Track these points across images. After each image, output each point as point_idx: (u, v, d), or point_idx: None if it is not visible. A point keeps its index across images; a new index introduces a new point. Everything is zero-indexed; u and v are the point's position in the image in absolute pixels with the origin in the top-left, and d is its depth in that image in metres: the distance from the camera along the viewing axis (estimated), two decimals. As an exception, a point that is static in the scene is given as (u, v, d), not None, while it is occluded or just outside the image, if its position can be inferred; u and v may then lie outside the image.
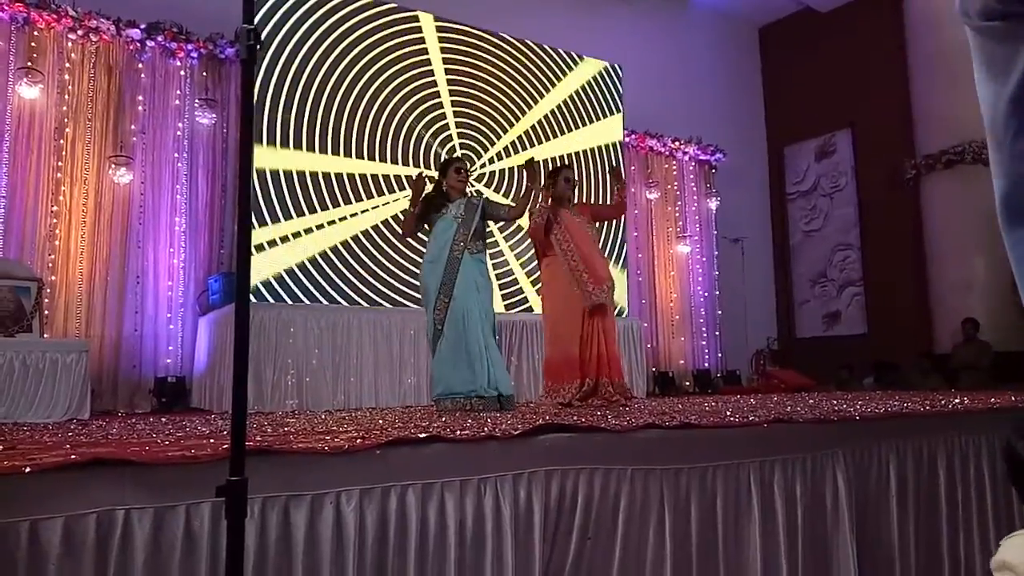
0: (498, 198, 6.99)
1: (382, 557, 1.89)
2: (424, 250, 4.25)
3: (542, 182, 4.57)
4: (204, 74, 6.55)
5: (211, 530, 1.66)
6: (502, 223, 6.49)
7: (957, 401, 3.82)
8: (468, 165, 4.32)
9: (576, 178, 4.67)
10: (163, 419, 3.96)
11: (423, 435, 2.07)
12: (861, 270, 9.70)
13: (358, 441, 1.94)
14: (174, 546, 1.63)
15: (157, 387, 5.90)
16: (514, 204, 4.56)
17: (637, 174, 9.09)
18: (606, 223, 7.30)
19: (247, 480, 1.24)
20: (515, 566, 2.05)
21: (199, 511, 1.66)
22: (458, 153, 7.08)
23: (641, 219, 9.03)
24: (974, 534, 3.19)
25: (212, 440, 2.08)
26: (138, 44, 6.22)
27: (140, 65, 6.26)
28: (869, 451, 2.92)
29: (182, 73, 6.47)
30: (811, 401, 4.39)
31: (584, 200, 7.01)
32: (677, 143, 9.32)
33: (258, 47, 1.29)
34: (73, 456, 1.63)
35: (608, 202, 4.92)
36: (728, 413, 3.22)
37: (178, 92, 6.43)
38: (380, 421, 3.13)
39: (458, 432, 2.17)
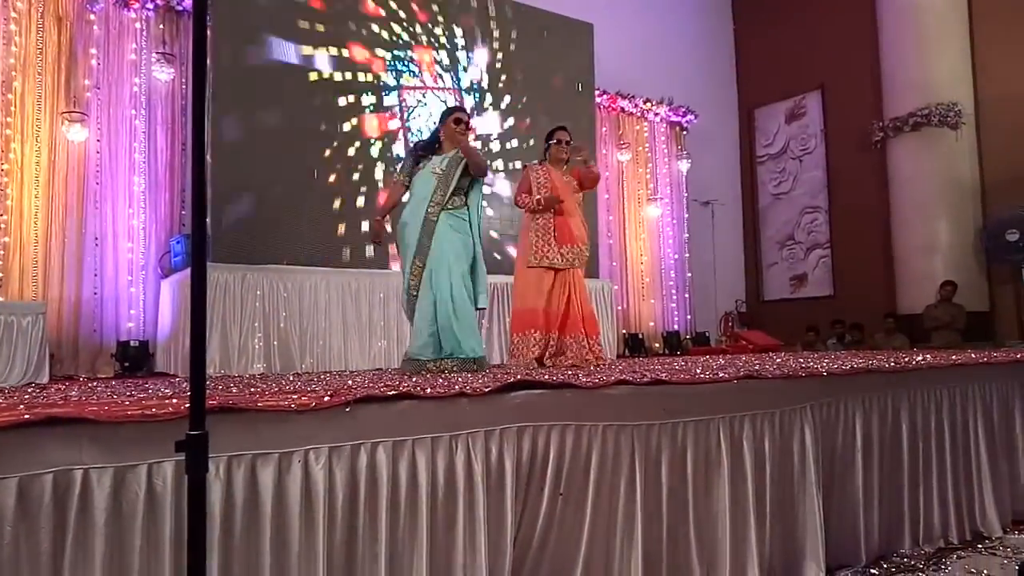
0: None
1: (352, 515, 1.86)
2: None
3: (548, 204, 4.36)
4: (161, 27, 6.30)
5: (174, 489, 1.61)
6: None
7: (920, 358, 3.90)
8: (468, 116, 3.98)
9: (571, 139, 4.51)
10: (126, 382, 3.86)
11: (392, 392, 2.03)
12: (828, 233, 9.82)
13: (326, 399, 1.90)
14: (135, 506, 1.58)
15: (119, 351, 5.77)
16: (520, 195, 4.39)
17: (608, 135, 9.03)
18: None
19: (207, 434, 1.20)
20: (487, 523, 2.04)
21: (161, 470, 1.61)
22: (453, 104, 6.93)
23: (612, 181, 8.99)
24: (933, 486, 3.28)
25: (175, 400, 2.02)
26: (90, -7, 5.94)
27: (92, 16, 5.98)
28: (836, 406, 2.97)
29: (137, 25, 6.20)
30: (778, 360, 4.45)
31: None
32: (649, 104, 9.26)
33: (211, -22, 1.21)
34: (27, 415, 1.56)
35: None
36: (698, 371, 3.25)
37: (133, 45, 6.17)
38: (349, 382, 3.09)
39: (428, 389, 2.14)
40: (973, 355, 4.19)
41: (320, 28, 6.44)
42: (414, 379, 2.96)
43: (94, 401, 2.13)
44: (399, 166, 4.02)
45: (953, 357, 3.96)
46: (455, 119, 3.89)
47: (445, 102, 7.07)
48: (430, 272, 3.68)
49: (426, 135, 6.87)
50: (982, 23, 8.40)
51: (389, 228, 4.46)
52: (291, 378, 3.96)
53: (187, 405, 1.30)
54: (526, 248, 4.36)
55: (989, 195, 8.31)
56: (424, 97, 7.03)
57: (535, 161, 4.56)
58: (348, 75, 6.56)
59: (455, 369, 3.55)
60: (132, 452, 1.59)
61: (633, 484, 2.34)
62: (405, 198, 3.93)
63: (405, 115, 6.90)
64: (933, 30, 8.32)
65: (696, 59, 10.27)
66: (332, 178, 6.37)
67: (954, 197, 8.22)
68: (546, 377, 2.59)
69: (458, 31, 7.26)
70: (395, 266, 6.28)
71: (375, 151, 6.66)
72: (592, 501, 2.26)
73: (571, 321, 4.26)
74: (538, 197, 4.32)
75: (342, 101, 6.52)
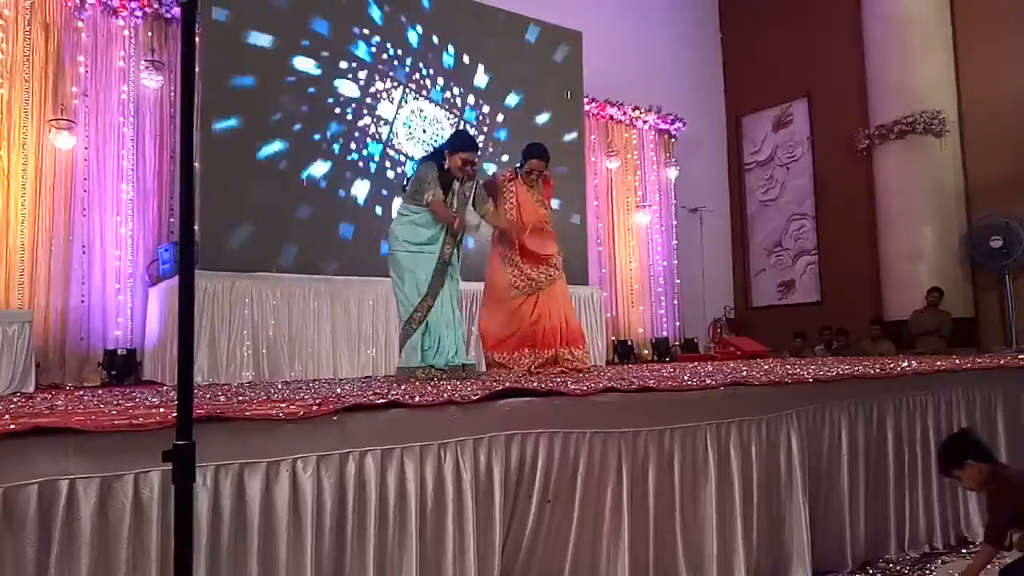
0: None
1: (341, 525, 1.87)
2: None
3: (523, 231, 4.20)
4: (149, 34, 6.28)
5: (161, 499, 1.61)
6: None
7: (905, 364, 3.94)
8: (477, 156, 3.88)
9: (548, 156, 4.28)
10: (113, 391, 3.84)
11: (381, 401, 2.04)
12: (815, 239, 9.89)
13: (314, 408, 1.90)
14: (122, 516, 1.58)
15: (107, 360, 5.73)
16: (493, 217, 4.08)
17: (597, 143, 9.07)
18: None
19: (194, 444, 1.20)
20: (476, 531, 2.05)
21: (148, 480, 1.61)
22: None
23: (601, 188, 9.03)
24: (918, 492, 3.31)
25: (162, 409, 2.02)
26: (77, 1, 5.91)
27: (80, 23, 5.95)
28: (822, 413, 3.00)
29: (126, 33, 6.18)
30: (766, 366, 4.47)
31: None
32: (637, 112, 9.31)
33: (199, -9, 1.22)
34: (12, 426, 1.55)
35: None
36: (685, 378, 3.26)
37: (122, 53, 6.15)
38: (338, 390, 3.09)
39: (417, 398, 2.14)
40: (958, 361, 4.24)
41: (311, 36, 6.45)
42: (403, 386, 2.96)
43: (81, 410, 2.12)
44: (434, 189, 3.73)
45: (938, 363, 4.00)
46: (463, 159, 3.76)
47: (436, 120, 7.08)
48: (437, 306, 3.72)
49: (414, 146, 7.02)
50: (965, 32, 8.51)
51: (407, 244, 3.96)
52: (279, 386, 3.96)
53: (174, 414, 1.31)
54: (499, 277, 4.21)
55: (973, 202, 8.40)
56: (412, 105, 7.04)
57: (508, 171, 4.38)
58: (338, 83, 6.57)
59: (446, 377, 3.57)
60: (119, 462, 1.59)
61: (620, 491, 2.35)
62: (408, 232, 3.76)
63: (393, 123, 6.91)
64: (917, 39, 8.43)
65: (684, 67, 10.34)
66: (321, 186, 6.37)
67: (939, 204, 8.31)
68: (535, 385, 2.60)
69: (448, 39, 7.28)
70: (380, 275, 6.29)
71: (363, 159, 6.67)
72: (580, 508, 2.27)
73: (559, 335, 4.17)
74: (497, 227, 4.12)
75: (331, 110, 6.52)
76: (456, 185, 3.82)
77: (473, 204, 3.92)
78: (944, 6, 8.58)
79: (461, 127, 7.23)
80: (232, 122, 5.96)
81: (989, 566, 2.91)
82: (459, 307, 3.95)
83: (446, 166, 3.78)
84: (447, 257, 3.79)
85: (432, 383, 3.24)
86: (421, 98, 7.08)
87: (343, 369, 5.78)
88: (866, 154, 8.98)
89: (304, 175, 6.28)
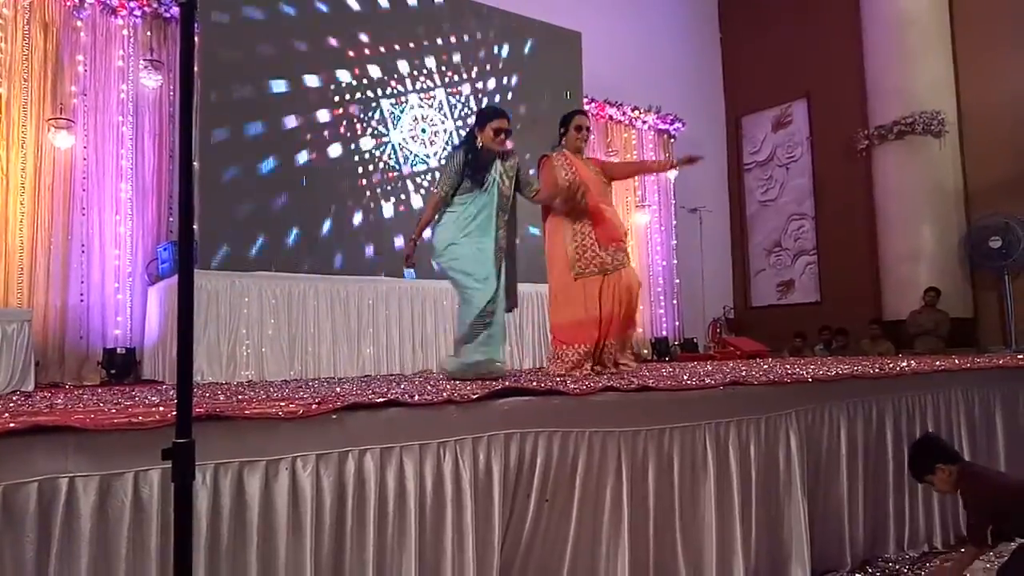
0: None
1: (340, 523, 1.87)
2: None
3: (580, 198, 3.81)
4: (148, 34, 6.28)
5: (161, 498, 1.61)
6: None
7: (904, 364, 3.94)
8: (509, 123, 3.59)
9: (590, 126, 3.98)
10: (113, 390, 3.83)
11: (380, 400, 2.04)
12: (815, 239, 9.90)
13: (314, 407, 1.90)
14: (122, 515, 1.58)
15: (106, 358, 5.73)
16: (540, 189, 3.83)
17: (597, 143, 9.07)
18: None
19: (194, 442, 1.20)
20: (475, 529, 2.05)
21: (147, 478, 1.61)
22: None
23: (601, 188, 9.03)
24: (918, 491, 3.31)
25: (161, 408, 2.02)
26: (76, 0, 5.91)
27: (79, 23, 5.95)
28: (821, 412, 3.00)
29: (125, 32, 6.18)
30: (765, 366, 4.48)
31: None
32: (637, 112, 9.31)
33: (199, -10, 1.22)
34: (12, 424, 1.55)
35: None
36: (685, 377, 3.27)
37: (121, 52, 6.14)
38: (338, 389, 3.09)
39: (416, 396, 2.14)
40: (956, 361, 4.24)
41: (310, 35, 6.45)
42: (402, 386, 2.96)
43: (80, 409, 2.12)
44: (439, 180, 3.61)
45: (937, 363, 4.01)
46: (495, 129, 3.52)
47: (434, 121, 7.08)
48: (498, 298, 3.47)
49: (413, 145, 7.02)
50: (964, 33, 8.52)
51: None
52: (279, 385, 3.96)
53: (174, 413, 1.31)
54: (562, 256, 3.84)
55: (972, 202, 8.41)
56: (412, 103, 7.04)
57: (551, 150, 4.01)
58: (336, 82, 6.57)
59: (494, 375, 3.37)
60: (118, 460, 1.59)
61: (619, 490, 2.35)
62: (454, 228, 3.51)
63: (393, 123, 6.91)
64: (916, 40, 8.43)
65: (684, 68, 10.34)
66: (320, 185, 6.37)
67: (938, 204, 8.31)
68: (534, 384, 2.61)
69: (447, 41, 7.28)
70: (379, 275, 6.29)
71: (362, 158, 6.67)
72: (579, 507, 2.27)
73: (615, 327, 3.83)
74: (559, 191, 3.75)
75: (330, 109, 6.52)
76: (498, 164, 3.54)
77: (519, 188, 3.68)
78: (943, 7, 8.59)
79: (458, 125, 7.24)
80: (231, 122, 5.96)
81: (988, 565, 2.92)
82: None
83: (480, 146, 3.53)
84: (502, 243, 3.53)
85: (493, 377, 3.15)
86: (420, 98, 7.08)
87: (342, 368, 5.78)
88: (865, 154, 8.98)
89: (303, 173, 6.28)
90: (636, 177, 9.31)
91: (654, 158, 9.58)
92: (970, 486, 2.67)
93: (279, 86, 6.25)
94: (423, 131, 7.07)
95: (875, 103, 8.82)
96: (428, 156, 7.06)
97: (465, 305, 3.44)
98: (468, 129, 3.69)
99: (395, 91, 6.91)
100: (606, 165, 4.15)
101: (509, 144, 3.63)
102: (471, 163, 3.50)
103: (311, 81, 6.43)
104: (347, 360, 5.84)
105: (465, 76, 7.38)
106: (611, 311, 3.77)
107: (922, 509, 3.32)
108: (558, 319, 3.88)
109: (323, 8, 6.57)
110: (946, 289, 7.92)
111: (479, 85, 7.45)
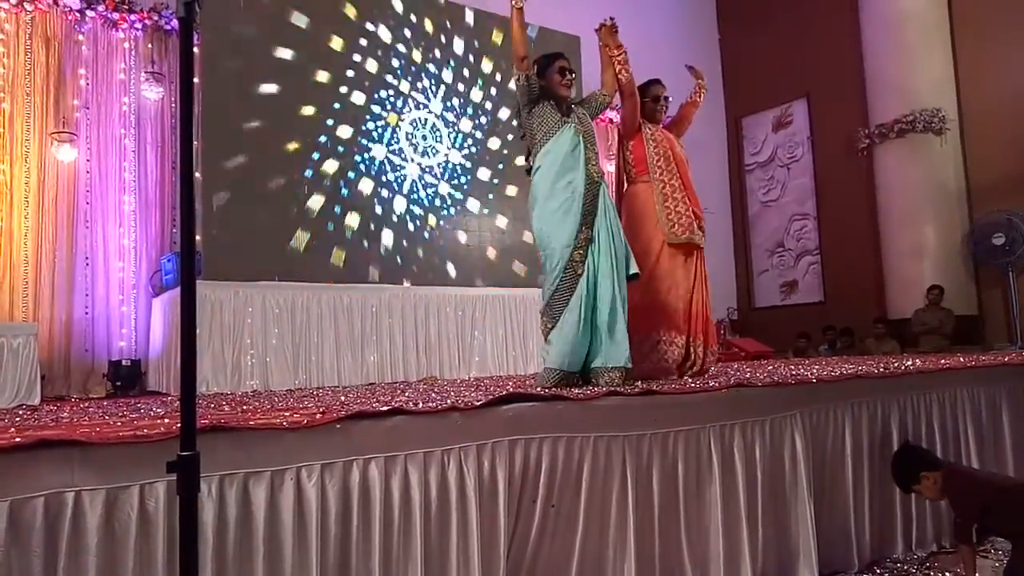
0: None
1: (346, 532, 1.87)
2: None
3: (618, 44, 3.62)
4: (149, 46, 6.32)
5: (167, 510, 1.62)
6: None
7: (909, 363, 3.93)
8: (570, 64, 3.38)
9: (668, 96, 3.83)
10: (118, 403, 3.85)
11: (384, 408, 2.04)
12: (817, 239, 9.88)
13: (318, 416, 1.91)
14: (128, 528, 1.59)
15: (111, 371, 5.75)
16: (603, 89, 3.61)
17: (598, 145, 9.08)
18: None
19: (199, 455, 1.21)
20: (481, 536, 2.05)
21: (153, 491, 1.62)
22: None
23: (602, 192, 9.04)
24: (925, 490, 3.29)
25: (167, 420, 2.03)
26: (77, 14, 5.95)
27: (81, 37, 6.00)
28: (826, 413, 2.99)
29: (126, 45, 6.22)
30: (770, 367, 4.47)
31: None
32: (637, 115, 9.31)
33: (197, 6, 1.23)
34: (18, 439, 1.56)
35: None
36: (688, 380, 3.26)
37: (123, 65, 6.19)
38: (342, 398, 3.10)
39: (420, 404, 2.15)
40: (962, 359, 4.23)
41: (310, 46, 6.48)
42: (406, 394, 2.96)
43: (86, 423, 2.13)
44: (529, 151, 3.33)
45: (942, 362, 4.00)
46: (559, 69, 3.32)
47: (436, 128, 7.10)
48: (595, 253, 3.09)
49: (413, 153, 7.03)
50: (963, 31, 8.51)
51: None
52: (284, 395, 3.97)
53: (178, 425, 1.31)
54: (649, 218, 3.50)
55: (975, 200, 8.39)
56: (413, 115, 7.06)
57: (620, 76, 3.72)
58: (337, 93, 6.60)
59: (612, 382, 3.00)
60: (124, 473, 1.60)
61: (625, 494, 2.35)
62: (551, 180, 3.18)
63: (394, 133, 6.93)
64: (915, 38, 8.43)
65: (683, 70, 10.32)
66: (322, 195, 6.39)
67: (940, 202, 8.30)
68: (538, 390, 2.61)
69: (446, 48, 7.31)
70: (381, 282, 6.30)
71: (364, 168, 6.69)
72: (584, 512, 2.27)
73: (696, 322, 3.52)
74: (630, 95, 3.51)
75: (332, 119, 6.55)
76: (576, 112, 3.34)
77: (596, 111, 3.52)
78: (942, 4, 8.58)
79: (459, 132, 7.26)
80: (233, 132, 5.99)
81: (997, 564, 2.91)
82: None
83: (548, 90, 3.31)
84: (596, 175, 3.25)
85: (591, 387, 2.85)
86: (421, 107, 7.10)
87: (347, 376, 5.79)
88: (866, 153, 8.97)
89: (305, 183, 6.30)
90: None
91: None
92: (956, 487, 2.68)
93: (281, 95, 6.28)
94: (424, 138, 7.09)
95: (875, 102, 8.81)
96: (431, 167, 7.08)
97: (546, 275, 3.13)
98: (531, 86, 3.31)
99: (394, 100, 6.94)
100: (677, 126, 4.02)
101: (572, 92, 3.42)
102: (554, 106, 3.28)
103: (313, 91, 6.45)
104: (351, 368, 5.85)
105: (465, 83, 7.40)
106: (700, 298, 3.48)
107: (929, 508, 3.30)
108: (646, 299, 3.41)
109: (323, 16, 6.60)
110: (950, 287, 7.90)
111: (480, 91, 7.47)
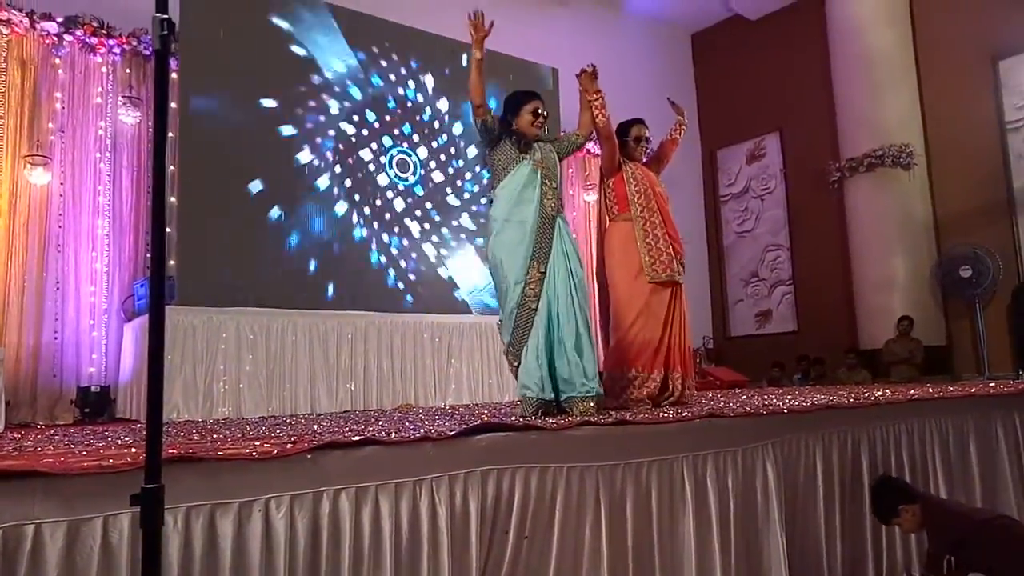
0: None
1: (315, 565, 1.84)
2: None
3: (596, 89, 3.70)
4: (127, 71, 6.30)
5: (131, 543, 1.59)
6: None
7: (879, 393, 3.99)
8: (542, 102, 3.43)
9: (649, 136, 3.94)
10: (85, 430, 3.77)
11: (356, 438, 2.03)
12: (791, 269, 10.03)
13: (288, 446, 1.89)
14: (90, 561, 1.55)
15: (80, 397, 5.63)
16: (577, 131, 3.71)
17: (575, 176, 9.18)
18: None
19: (163, 487, 1.19)
20: (451, 569, 2.03)
21: (117, 523, 1.59)
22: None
23: (579, 221, 9.11)
24: (895, 520, 3.32)
25: (133, 449, 2.00)
26: (55, 38, 5.93)
27: (57, 60, 5.97)
28: (797, 443, 3.02)
29: (104, 70, 6.19)
30: (743, 397, 4.51)
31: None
32: (614, 146, 9.44)
33: (172, 38, 1.25)
34: (-23, 470, 1.53)
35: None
36: (661, 411, 3.28)
37: (99, 89, 6.15)
38: (315, 426, 3.07)
39: (393, 434, 2.14)
40: (930, 389, 4.29)
41: (287, 73, 6.51)
42: (381, 423, 2.94)
43: (50, 452, 2.09)
44: (490, 185, 3.43)
45: (911, 392, 4.06)
46: (532, 111, 3.36)
47: (412, 155, 7.15)
48: (552, 285, 3.15)
49: (391, 181, 7.05)
50: (928, 70, 8.78)
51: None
52: (256, 423, 3.92)
53: (144, 455, 1.29)
54: (629, 256, 3.61)
55: (942, 232, 8.59)
56: (388, 142, 7.10)
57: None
58: (313, 120, 6.62)
59: (586, 412, 3.02)
60: (87, 505, 1.57)
61: (598, 525, 2.34)
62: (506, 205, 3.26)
63: (370, 160, 6.95)
64: (884, 76, 8.67)
65: (659, 102, 10.44)
66: (298, 221, 6.38)
67: (909, 235, 8.48)
68: (512, 420, 2.61)
69: (423, 77, 7.38)
70: (357, 309, 6.27)
71: (340, 194, 6.69)
72: (558, 543, 2.26)
73: (673, 354, 3.61)
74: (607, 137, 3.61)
75: (309, 145, 6.56)
76: (538, 148, 3.36)
77: (564, 153, 3.56)
78: (908, 45, 8.86)
79: (435, 158, 7.30)
80: (208, 156, 5.97)
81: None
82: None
83: (515, 128, 3.36)
84: (551, 210, 3.28)
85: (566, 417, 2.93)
86: (397, 137, 7.14)
87: (321, 404, 5.73)
88: (837, 186, 9.16)
89: (280, 209, 6.29)
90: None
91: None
92: (934, 519, 2.71)
93: (257, 121, 6.28)
94: (402, 166, 7.12)
95: (845, 136, 9.03)
96: (408, 193, 7.10)
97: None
98: (500, 124, 3.39)
99: (372, 129, 6.97)
100: (656, 164, 4.11)
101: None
102: (515, 143, 3.33)
103: (290, 117, 6.47)
104: (326, 396, 5.79)
105: (446, 113, 7.46)
106: (675, 335, 3.55)
107: (900, 538, 3.33)
108: (621, 335, 3.53)
109: (303, 44, 6.64)
110: (919, 318, 8.04)
111: (459, 123, 7.54)
